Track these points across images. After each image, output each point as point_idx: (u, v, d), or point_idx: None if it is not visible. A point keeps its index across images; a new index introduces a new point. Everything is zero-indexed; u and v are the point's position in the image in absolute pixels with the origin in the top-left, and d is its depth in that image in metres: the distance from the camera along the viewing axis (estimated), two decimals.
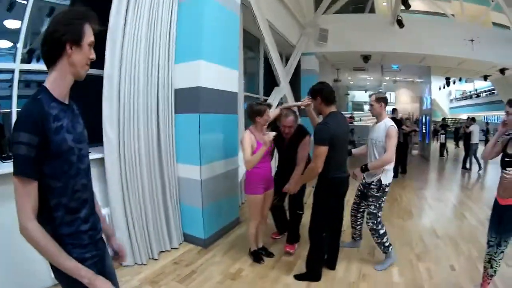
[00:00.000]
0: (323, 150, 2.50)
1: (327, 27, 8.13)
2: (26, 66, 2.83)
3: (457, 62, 9.33)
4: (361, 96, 21.51)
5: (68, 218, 1.15)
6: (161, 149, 3.26)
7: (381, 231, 3.09)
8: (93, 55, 1.19)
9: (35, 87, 3.41)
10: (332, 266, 3.02)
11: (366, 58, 8.74)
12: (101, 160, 2.92)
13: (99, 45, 1.32)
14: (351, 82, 17.15)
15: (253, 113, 2.92)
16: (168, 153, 3.35)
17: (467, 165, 9.11)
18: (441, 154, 12.33)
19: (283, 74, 6.62)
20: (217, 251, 3.41)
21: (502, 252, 2.36)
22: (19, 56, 2.73)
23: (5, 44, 3.36)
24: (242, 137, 2.90)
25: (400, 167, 7.80)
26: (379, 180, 3.03)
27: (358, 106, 23.25)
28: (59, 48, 1.10)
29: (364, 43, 8.32)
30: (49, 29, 1.10)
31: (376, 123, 3.18)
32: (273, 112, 3.22)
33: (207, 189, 3.45)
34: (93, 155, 2.85)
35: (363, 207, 3.34)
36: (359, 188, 3.35)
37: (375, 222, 3.08)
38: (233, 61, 3.88)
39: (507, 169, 2.18)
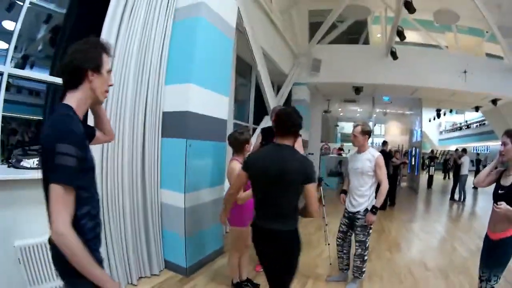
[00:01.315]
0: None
1: (321, 57, 8.20)
2: (17, 71, 2.70)
3: (449, 94, 9.42)
4: (350, 128, 21.59)
5: (91, 224, 1.26)
6: (145, 173, 3.14)
7: (366, 257, 3.14)
8: (112, 81, 1.36)
9: (26, 94, 3.39)
10: None
11: (358, 90, 8.80)
12: None
13: None
14: (341, 114, 17.28)
15: (242, 143, 2.89)
16: (152, 177, 3.22)
17: (455, 196, 9.10)
18: (429, 186, 12.37)
19: (274, 103, 6.57)
20: (199, 280, 3.23)
21: (492, 287, 2.30)
22: (9, 59, 2.62)
23: (2, 45, 3.31)
24: (231, 168, 2.79)
25: (389, 199, 7.70)
26: (366, 210, 3.04)
27: (348, 138, 23.42)
28: (80, 75, 1.22)
29: (356, 74, 8.34)
30: (69, 57, 1.22)
31: (358, 152, 3.18)
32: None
33: (190, 217, 3.32)
34: None
35: (350, 236, 3.26)
36: (344, 215, 3.25)
37: (364, 248, 3.10)
38: (224, 87, 3.83)
39: (498, 203, 2.12)
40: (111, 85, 1.35)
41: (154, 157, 3.23)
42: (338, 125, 20.18)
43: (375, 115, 15.46)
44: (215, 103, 3.65)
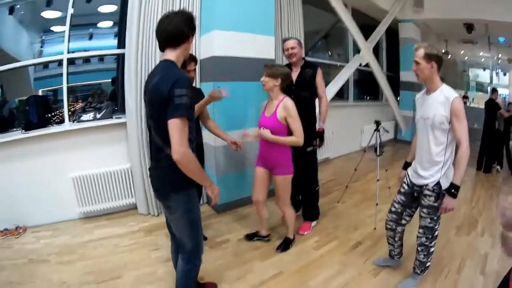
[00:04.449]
0: None
1: None
2: (71, 55, 3.19)
3: None
4: (484, 76, 16.23)
5: (192, 146, 1.40)
6: None
7: (432, 249, 2.01)
8: None
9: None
10: None
11: (469, 27, 6.50)
12: (125, 124, 3.12)
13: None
14: (466, 58, 13.28)
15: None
16: None
17: None
18: None
19: (362, 40, 5.68)
20: (225, 218, 3.16)
21: None
22: (66, 47, 3.10)
23: (106, 24, 3.88)
24: (290, 106, 2.26)
25: (497, 161, 5.52)
26: (438, 184, 1.81)
27: (481, 87, 17.76)
28: (184, 39, 1.43)
29: (463, 9, 6.18)
30: (178, 25, 1.39)
31: (426, 93, 1.87)
32: None
33: (222, 157, 3.19)
34: (120, 120, 3.18)
35: (407, 219, 2.12)
36: (401, 190, 2.08)
37: (430, 237, 1.97)
38: (264, 27, 3.31)
39: None
40: None
41: None
42: (465, 71, 15.55)
43: (500, 61, 11.33)
44: (251, 44, 3.22)
